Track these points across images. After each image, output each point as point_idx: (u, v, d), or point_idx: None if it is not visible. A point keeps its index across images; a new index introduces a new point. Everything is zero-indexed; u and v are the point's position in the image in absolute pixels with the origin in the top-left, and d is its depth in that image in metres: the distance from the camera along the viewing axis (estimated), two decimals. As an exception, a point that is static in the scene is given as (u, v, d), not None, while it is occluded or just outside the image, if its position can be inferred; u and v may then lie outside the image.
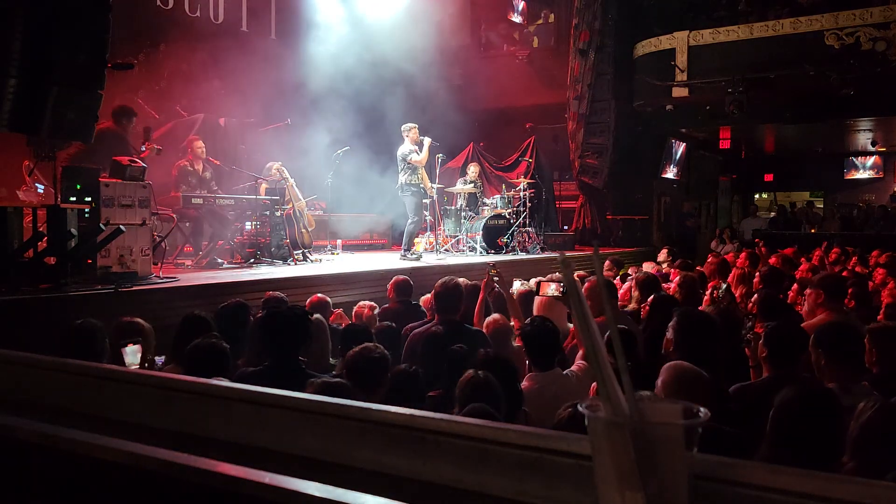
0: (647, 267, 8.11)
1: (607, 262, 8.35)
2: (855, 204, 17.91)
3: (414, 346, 4.24)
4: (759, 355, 3.36)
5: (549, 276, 5.65)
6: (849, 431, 2.20)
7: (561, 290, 4.39)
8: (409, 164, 9.26)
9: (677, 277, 5.76)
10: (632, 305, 5.78)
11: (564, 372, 3.67)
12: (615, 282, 7.13)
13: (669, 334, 3.33)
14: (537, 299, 4.91)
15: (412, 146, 9.34)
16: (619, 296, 6.17)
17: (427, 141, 9.39)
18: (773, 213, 18.19)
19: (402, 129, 9.47)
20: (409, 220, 9.45)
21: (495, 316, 4.44)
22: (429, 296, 4.93)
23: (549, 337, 3.59)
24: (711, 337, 3.28)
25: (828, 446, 2.16)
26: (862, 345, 3.17)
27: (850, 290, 4.95)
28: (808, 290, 4.70)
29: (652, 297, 4.98)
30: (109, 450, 1.15)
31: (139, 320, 3.71)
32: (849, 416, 2.25)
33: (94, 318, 3.57)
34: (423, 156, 9.35)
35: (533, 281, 5.28)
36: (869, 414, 2.17)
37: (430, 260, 9.22)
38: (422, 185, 9.47)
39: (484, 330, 4.31)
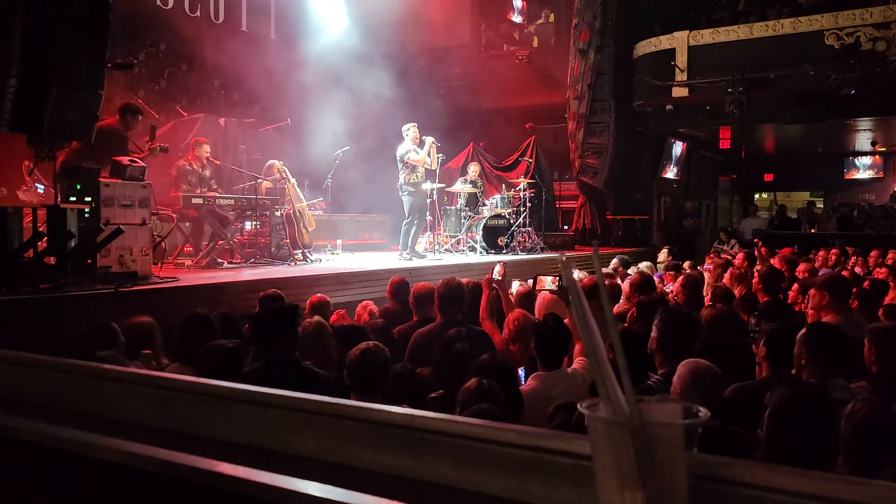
0: (644, 267, 8.06)
1: (615, 262, 8.30)
2: (855, 204, 17.90)
3: (422, 347, 4.21)
4: (759, 355, 3.38)
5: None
6: (841, 431, 2.21)
7: (557, 282, 4.41)
8: (406, 163, 9.10)
9: (681, 278, 5.75)
10: (622, 307, 5.73)
11: (569, 370, 3.67)
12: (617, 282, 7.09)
13: (654, 332, 3.37)
14: (539, 298, 4.90)
15: (411, 145, 9.18)
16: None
17: (429, 140, 9.19)
18: (773, 212, 18.15)
19: (403, 129, 9.30)
20: (405, 220, 9.36)
21: (520, 311, 4.34)
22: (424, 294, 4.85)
23: (563, 336, 3.60)
24: (693, 335, 3.30)
25: (822, 444, 2.17)
26: (845, 345, 3.18)
27: (854, 291, 4.95)
28: (812, 291, 4.72)
29: (640, 298, 4.96)
30: (109, 450, 1.15)
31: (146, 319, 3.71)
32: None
33: (97, 319, 3.59)
34: (422, 156, 9.12)
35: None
36: (861, 414, 2.18)
37: (428, 260, 9.22)
38: (421, 186, 9.29)
39: (506, 325, 4.21)
